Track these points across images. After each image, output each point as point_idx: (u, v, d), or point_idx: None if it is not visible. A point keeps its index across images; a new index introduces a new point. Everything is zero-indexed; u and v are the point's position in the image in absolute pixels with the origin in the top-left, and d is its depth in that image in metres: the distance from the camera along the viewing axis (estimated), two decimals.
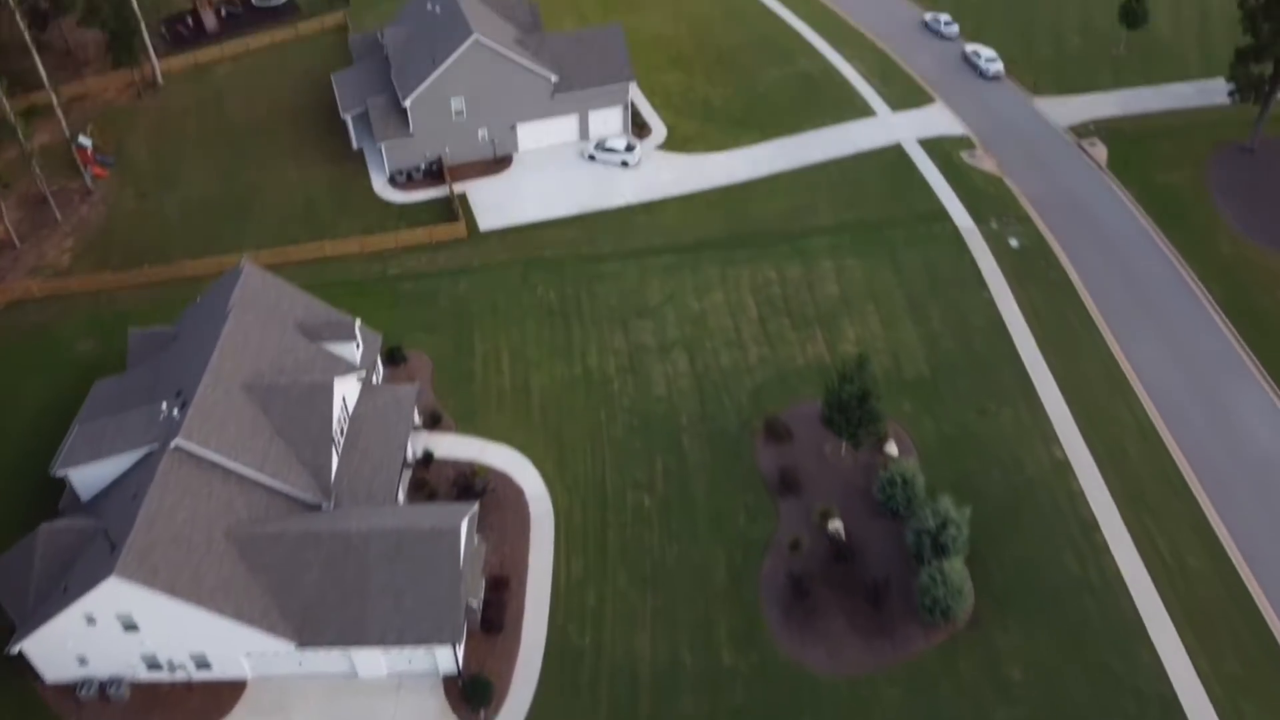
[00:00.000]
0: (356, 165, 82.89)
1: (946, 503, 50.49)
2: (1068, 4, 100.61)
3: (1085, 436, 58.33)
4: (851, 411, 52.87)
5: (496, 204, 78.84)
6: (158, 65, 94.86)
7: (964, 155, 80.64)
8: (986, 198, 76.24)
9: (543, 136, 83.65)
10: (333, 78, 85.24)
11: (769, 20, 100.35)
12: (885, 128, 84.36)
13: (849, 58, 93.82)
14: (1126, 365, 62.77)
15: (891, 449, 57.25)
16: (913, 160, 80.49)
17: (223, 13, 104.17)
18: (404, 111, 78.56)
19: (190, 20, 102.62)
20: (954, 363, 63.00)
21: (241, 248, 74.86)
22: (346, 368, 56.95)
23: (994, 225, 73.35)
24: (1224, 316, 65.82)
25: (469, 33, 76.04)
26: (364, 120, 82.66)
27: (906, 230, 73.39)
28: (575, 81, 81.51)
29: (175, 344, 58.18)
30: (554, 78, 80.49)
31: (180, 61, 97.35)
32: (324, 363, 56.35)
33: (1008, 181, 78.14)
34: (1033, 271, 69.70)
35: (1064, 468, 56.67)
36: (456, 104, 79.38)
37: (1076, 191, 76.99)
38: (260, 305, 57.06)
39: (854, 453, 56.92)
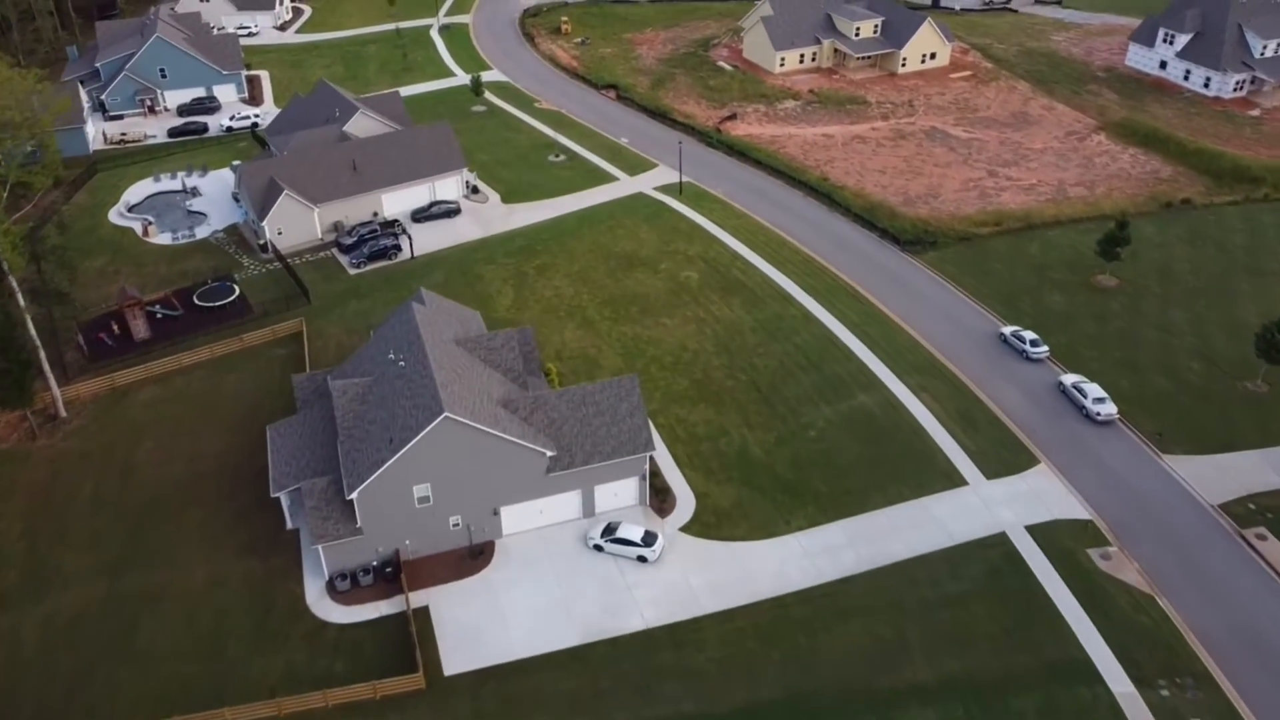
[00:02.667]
0: (287, 557, 62.87)
1: None
2: (1174, 317, 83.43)
3: None
4: None
5: (469, 627, 58.29)
6: (59, 395, 76.56)
7: (1095, 557, 60.67)
8: (1142, 636, 55.64)
9: (534, 518, 64.11)
10: (268, 436, 66.45)
11: (812, 330, 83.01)
12: (981, 505, 64.84)
13: (917, 389, 75.60)
14: None
15: None
16: (1026, 562, 60.47)
17: (158, 314, 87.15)
18: (351, 500, 59.34)
19: (115, 327, 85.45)
20: None
21: (111, 707, 53.96)
22: None
23: (1164, 692, 52.37)
24: None
25: (438, 409, 57.60)
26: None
27: (1040, 699, 52.25)
28: (578, 455, 62.63)
29: None
30: (550, 453, 61.73)
31: (93, 385, 79.14)
32: None
33: (1163, 604, 57.78)
34: None
35: None
36: (421, 491, 60.23)
37: (1263, 624, 56.46)
38: None
39: None
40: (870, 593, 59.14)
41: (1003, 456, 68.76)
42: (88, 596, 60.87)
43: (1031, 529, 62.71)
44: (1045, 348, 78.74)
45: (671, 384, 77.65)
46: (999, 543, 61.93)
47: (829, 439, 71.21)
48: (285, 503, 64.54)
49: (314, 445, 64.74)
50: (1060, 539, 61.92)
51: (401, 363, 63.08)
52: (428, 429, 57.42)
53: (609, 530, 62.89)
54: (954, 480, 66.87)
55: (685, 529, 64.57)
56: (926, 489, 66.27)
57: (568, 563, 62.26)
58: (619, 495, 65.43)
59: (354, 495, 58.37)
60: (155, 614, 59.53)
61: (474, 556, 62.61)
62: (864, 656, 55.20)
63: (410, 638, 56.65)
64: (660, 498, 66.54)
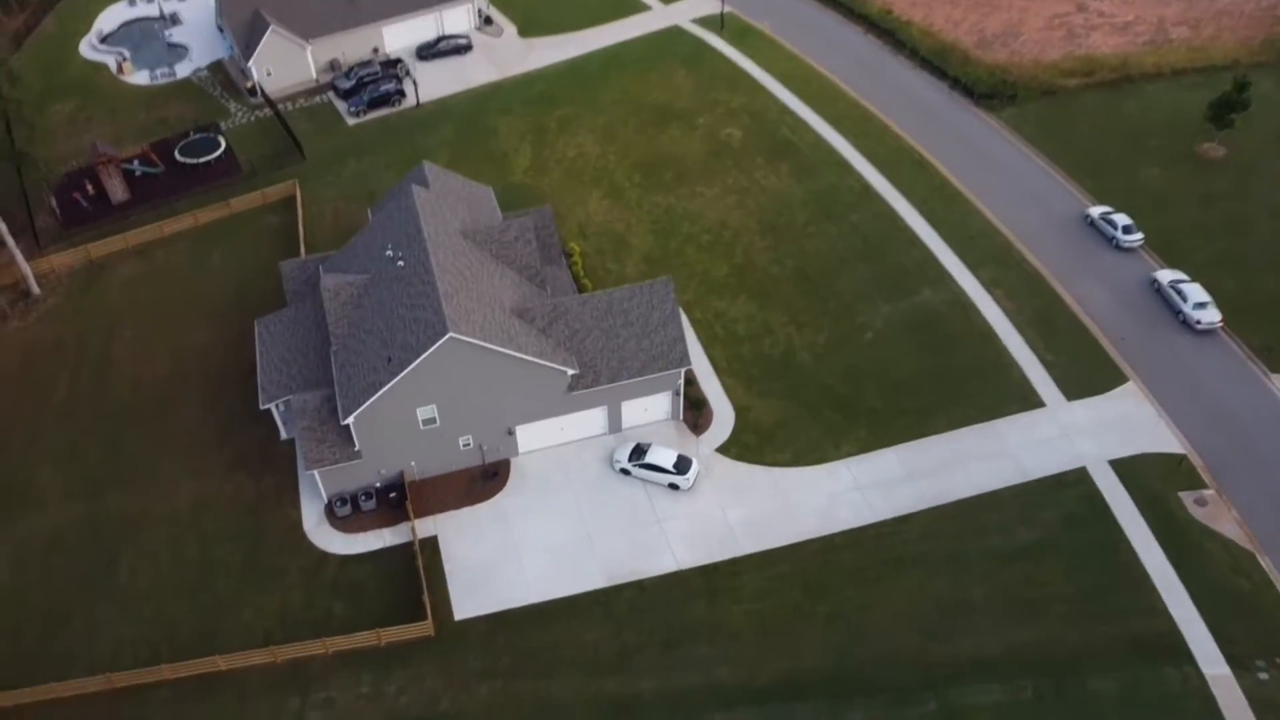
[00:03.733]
0: (281, 473, 56.84)
1: None
2: None
3: None
4: None
5: (482, 563, 52.68)
6: (28, 269, 68.97)
7: (1188, 501, 53.39)
8: (1239, 604, 49.00)
9: (554, 434, 57.33)
10: (257, 333, 59.05)
11: (870, 207, 72.94)
12: (1059, 432, 57.10)
13: (990, 284, 66.35)
14: None
15: None
16: (1109, 506, 53.29)
17: (136, 172, 78.01)
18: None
19: (90, 187, 76.58)
20: None
21: (92, 652, 49.51)
22: None
23: (1263, 675, 46.24)
24: None
25: (442, 327, 49.65)
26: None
27: (1121, 680, 46.17)
28: (604, 371, 55.04)
29: None
30: (571, 372, 54.14)
31: (68, 257, 71.50)
32: None
33: (1265, 563, 50.84)
34: None
35: None
36: (426, 413, 53.22)
37: None
38: None
39: None
40: (929, 537, 52.61)
41: (1085, 372, 60.35)
42: (64, 519, 55.62)
43: (1116, 464, 55.14)
44: (1139, 235, 68.52)
45: (710, 270, 68.87)
46: (1078, 481, 54.62)
47: (887, 344, 62.94)
48: (278, 416, 58.00)
49: (306, 349, 57.39)
50: (1148, 478, 54.49)
51: (401, 263, 54.67)
52: (430, 351, 49.72)
53: (638, 452, 56.06)
54: (1028, 401, 58.92)
55: (722, 450, 57.68)
56: (997, 410, 58.45)
57: (591, 488, 55.90)
58: (649, 410, 58.30)
59: (349, 420, 51.53)
60: (137, 543, 54.29)
61: (487, 479, 56.34)
62: (920, 619, 49.18)
63: (417, 574, 51.13)
64: (695, 411, 59.32)
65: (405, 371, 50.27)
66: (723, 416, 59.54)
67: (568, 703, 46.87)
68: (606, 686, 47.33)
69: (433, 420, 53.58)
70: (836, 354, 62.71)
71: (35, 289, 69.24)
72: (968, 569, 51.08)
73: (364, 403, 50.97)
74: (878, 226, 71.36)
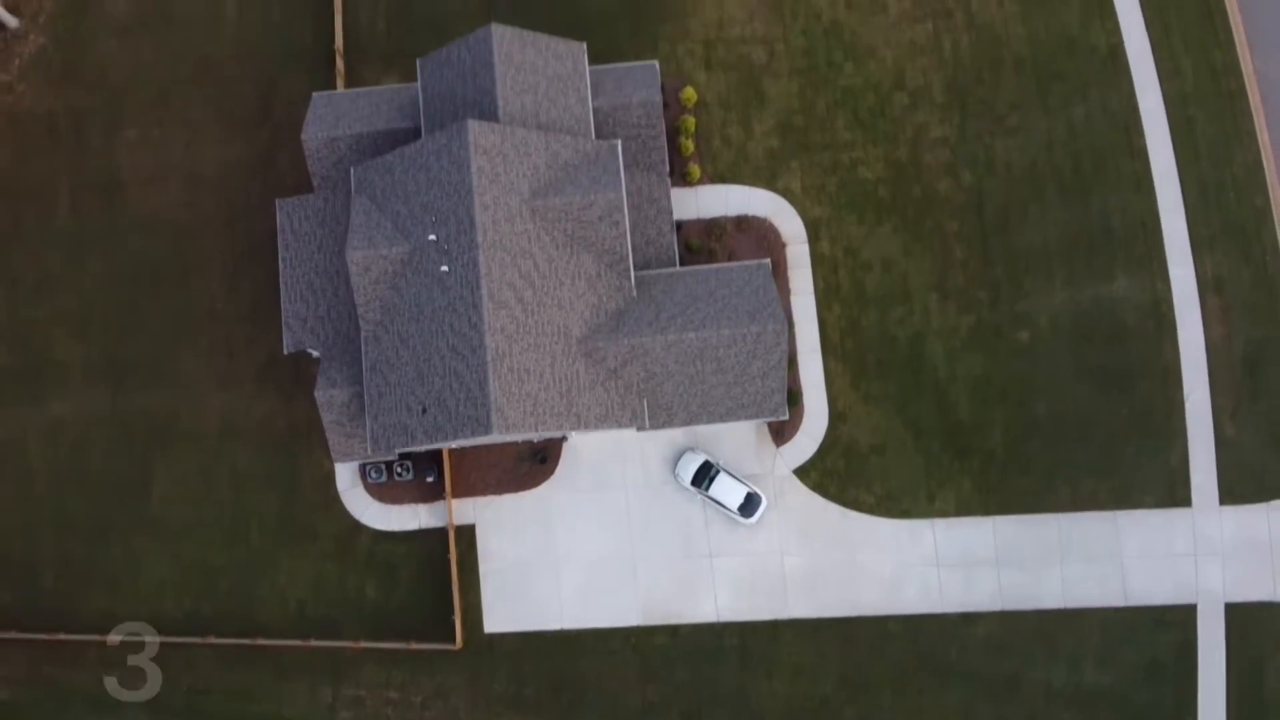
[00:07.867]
0: (312, 403, 50.41)
1: None
2: None
3: None
4: None
5: (517, 565, 50.08)
6: None
7: None
8: None
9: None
10: (278, 223, 47.96)
11: (1107, 93, 52.03)
12: (1188, 548, 48.32)
13: (1211, 284, 50.15)
14: None
15: None
16: (1198, 665, 47.68)
17: None
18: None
19: None
20: None
21: (136, 589, 50.38)
22: None
23: None
24: None
25: (485, 419, 40.33)
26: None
27: None
28: (679, 413, 46.15)
29: None
30: (636, 428, 45.08)
31: None
32: None
33: None
34: None
35: None
36: None
37: None
38: None
39: None
40: (991, 649, 48.54)
41: (1268, 466, 49.13)
42: (90, 411, 51.59)
43: (1233, 610, 48.19)
44: None
45: (860, 162, 52.45)
46: (1180, 622, 48.16)
47: (1043, 357, 50.48)
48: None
49: (337, 275, 47.39)
50: (1268, 641, 47.96)
51: (444, 268, 42.24)
52: (469, 440, 41.30)
53: (703, 476, 49.16)
54: (1173, 494, 48.98)
55: (801, 473, 50.44)
56: (1130, 497, 49.09)
57: (647, 493, 50.32)
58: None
59: (379, 452, 44.95)
60: (167, 462, 51.03)
61: (535, 462, 50.66)
62: None
63: (450, 586, 49.16)
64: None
65: (440, 444, 42.39)
66: (813, 422, 50.76)
67: None
68: None
69: None
70: (977, 354, 50.90)
71: (11, 20, 54.56)
72: (1017, 703, 48.20)
73: (394, 447, 43.91)
74: (1103, 136, 52.10)
